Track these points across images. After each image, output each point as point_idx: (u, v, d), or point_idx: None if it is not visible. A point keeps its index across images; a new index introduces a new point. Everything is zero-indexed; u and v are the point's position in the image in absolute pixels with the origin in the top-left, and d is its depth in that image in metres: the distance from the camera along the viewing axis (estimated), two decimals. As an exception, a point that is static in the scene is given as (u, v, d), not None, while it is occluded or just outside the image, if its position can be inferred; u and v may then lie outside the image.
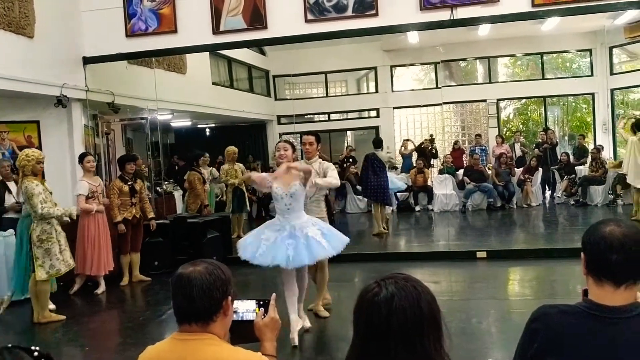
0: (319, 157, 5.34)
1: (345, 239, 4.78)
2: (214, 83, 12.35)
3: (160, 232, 7.63)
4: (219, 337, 1.77)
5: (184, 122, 13.58)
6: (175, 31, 7.26)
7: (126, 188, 7.06)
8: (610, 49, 14.46)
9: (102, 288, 6.80)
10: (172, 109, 10.63)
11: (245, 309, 2.00)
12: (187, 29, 7.26)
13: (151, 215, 7.36)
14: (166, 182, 10.52)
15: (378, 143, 9.63)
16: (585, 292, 1.71)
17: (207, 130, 15.59)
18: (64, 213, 5.73)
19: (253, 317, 1.98)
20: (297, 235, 4.53)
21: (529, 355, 1.70)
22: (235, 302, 1.90)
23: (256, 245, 4.59)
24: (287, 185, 4.62)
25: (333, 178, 5.01)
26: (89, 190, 6.61)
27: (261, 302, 2.01)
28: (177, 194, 10.22)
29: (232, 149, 9.50)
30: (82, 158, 6.80)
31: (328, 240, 4.59)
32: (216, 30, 7.16)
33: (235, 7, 7.11)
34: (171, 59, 10.01)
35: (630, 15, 12.06)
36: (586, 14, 7.09)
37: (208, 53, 11.25)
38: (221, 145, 10.34)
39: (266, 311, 1.98)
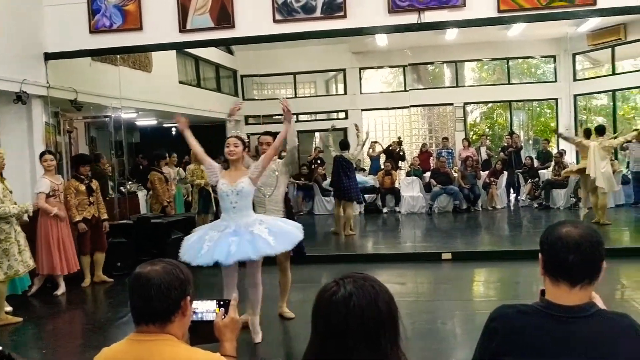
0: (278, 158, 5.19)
1: (297, 238, 4.55)
2: (180, 82, 12.20)
3: (123, 233, 7.49)
4: (177, 337, 1.73)
5: (150, 121, 13.38)
6: (140, 28, 7.14)
7: (83, 187, 6.90)
8: (574, 55, 14.83)
9: (62, 289, 6.63)
10: (137, 108, 10.46)
11: (205, 309, 1.97)
12: (153, 26, 7.14)
13: (104, 216, 7.19)
14: (130, 182, 10.33)
15: (344, 145, 9.73)
16: (543, 292, 1.73)
17: (174, 129, 15.36)
18: (20, 210, 5.58)
19: (213, 317, 1.95)
20: (241, 232, 4.32)
21: (487, 354, 1.72)
22: (195, 302, 1.87)
23: (198, 246, 4.37)
24: (234, 182, 4.40)
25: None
26: (50, 188, 6.45)
27: (221, 303, 1.98)
28: (141, 194, 10.05)
29: None
30: (41, 157, 6.63)
31: (275, 238, 4.35)
32: (183, 29, 7.07)
33: (202, 6, 7.03)
34: (136, 56, 9.85)
35: (592, 23, 12.39)
36: (549, 20, 7.24)
37: (175, 51, 11.12)
38: (188, 145, 10.20)
39: (226, 311, 1.95)
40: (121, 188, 9.62)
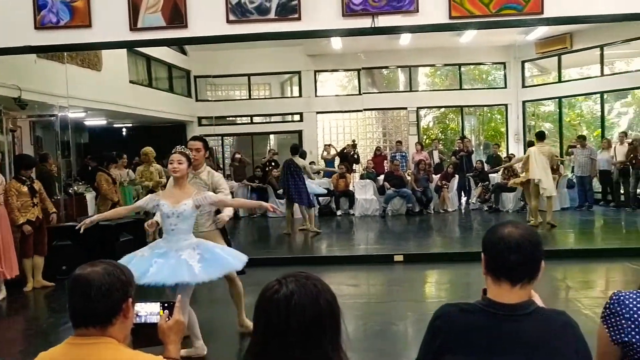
0: (207, 165, 4.87)
1: (230, 266, 4.26)
2: (131, 81, 11.94)
3: (69, 235, 7.25)
4: (118, 340, 1.67)
5: (99, 121, 13.04)
6: (89, 26, 6.92)
7: (25, 189, 6.65)
8: (523, 63, 15.28)
9: (2, 294, 6.37)
10: (85, 107, 10.18)
11: (148, 311, 1.93)
12: (103, 24, 6.94)
13: (52, 210, 7.00)
14: (78, 183, 10.04)
15: (295, 150, 9.87)
16: (485, 291, 1.77)
17: (124, 130, 15.05)
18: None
19: (157, 319, 1.91)
20: (169, 255, 4.03)
21: (431, 353, 1.75)
22: (138, 304, 1.82)
23: (128, 259, 4.06)
24: (177, 203, 4.08)
25: (225, 197, 4.57)
26: (-10, 188, 6.19)
27: (165, 304, 1.94)
28: (90, 196, 9.77)
29: (147, 149, 9.17)
30: None
31: (203, 266, 4.03)
32: (133, 27, 6.89)
33: (154, 4, 6.89)
34: (85, 54, 9.58)
35: (540, 32, 12.81)
36: (498, 28, 7.43)
37: (125, 50, 10.88)
38: (138, 146, 9.98)
39: (171, 313, 1.92)
40: (69, 189, 9.34)
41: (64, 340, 1.70)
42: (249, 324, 4.93)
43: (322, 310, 1.36)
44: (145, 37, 7.03)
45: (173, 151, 4.23)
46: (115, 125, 14.42)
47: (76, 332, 1.67)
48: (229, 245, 4.75)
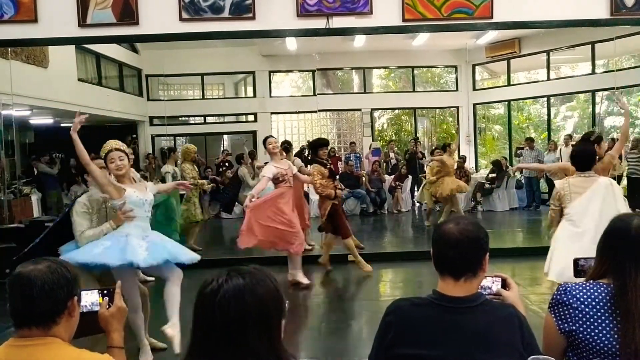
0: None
1: (177, 256, 4.11)
2: (79, 79, 11.58)
3: (13, 237, 6.98)
4: (63, 340, 1.62)
5: (46, 120, 12.62)
6: (35, 20, 6.68)
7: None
8: (473, 66, 15.62)
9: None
10: (31, 105, 9.83)
11: (88, 301, 1.88)
12: (49, 19, 6.71)
13: None
14: (23, 183, 9.69)
15: (249, 153, 9.87)
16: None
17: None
18: None
19: (97, 307, 1.88)
20: (119, 239, 3.96)
21: (384, 346, 1.80)
22: None
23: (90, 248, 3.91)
24: (144, 191, 4.18)
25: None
26: None
27: (105, 291, 1.90)
28: (35, 197, 9.45)
29: (191, 147, 8.87)
30: None
31: (150, 251, 3.97)
32: (82, 23, 6.70)
33: (104, 0, 6.72)
34: (30, 50, 9.26)
35: (490, 36, 13.13)
36: (450, 31, 7.57)
37: (73, 47, 10.57)
38: (87, 146, 9.70)
39: (111, 300, 1.87)
40: (13, 190, 9.01)
41: (4, 343, 1.64)
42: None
43: (247, 305, 1.32)
44: (95, 33, 6.84)
45: (109, 149, 4.12)
46: (62, 125, 13.98)
47: (18, 333, 1.61)
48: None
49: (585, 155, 4.50)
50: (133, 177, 4.43)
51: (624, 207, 4.36)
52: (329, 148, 8.48)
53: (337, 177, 6.73)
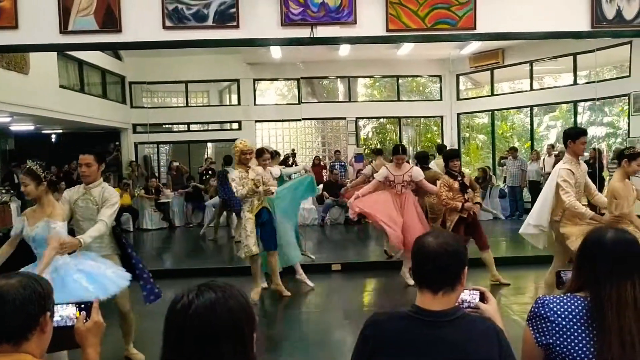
0: (104, 181, 4.38)
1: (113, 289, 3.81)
2: (61, 86, 11.46)
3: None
4: (34, 356, 1.58)
5: (26, 127, 12.47)
6: (15, 27, 6.60)
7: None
8: (457, 76, 15.74)
9: None
10: (11, 112, 9.71)
11: (65, 315, 1.86)
12: (30, 25, 6.63)
13: None
14: (3, 191, 9.54)
15: (229, 160, 9.91)
16: None
17: (53, 136, 14.44)
18: None
19: (73, 322, 1.85)
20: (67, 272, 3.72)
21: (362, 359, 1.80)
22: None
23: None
24: (33, 225, 3.73)
25: (103, 221, 3.97)
26: None
27: (82, 306, 1.88)
28: (14, 205, 9.30)
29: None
30: None
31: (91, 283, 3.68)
32: (64, 30, 6.62)
33: (86, 7, 6.64)
34: (11, 56, 9.15)
35: (474, 46, 13.25)
36: (433, 42, 7.60)
37: (55, 53, 10.46)
38: (69, 153, 9.61)
39: (88, 315, 1.84)
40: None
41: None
42: (140, 357, 4.56)
43: (219, 319, 1.32)
44: (77, 40, 6.76)
45: (22, 171, 3.84)
46: (44, 132, 13.83)
47: (-12, 350, 1.56)
48: (128, 256, 4.33)
49: None
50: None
51: None
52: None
53: (466, 190, 6.71)
